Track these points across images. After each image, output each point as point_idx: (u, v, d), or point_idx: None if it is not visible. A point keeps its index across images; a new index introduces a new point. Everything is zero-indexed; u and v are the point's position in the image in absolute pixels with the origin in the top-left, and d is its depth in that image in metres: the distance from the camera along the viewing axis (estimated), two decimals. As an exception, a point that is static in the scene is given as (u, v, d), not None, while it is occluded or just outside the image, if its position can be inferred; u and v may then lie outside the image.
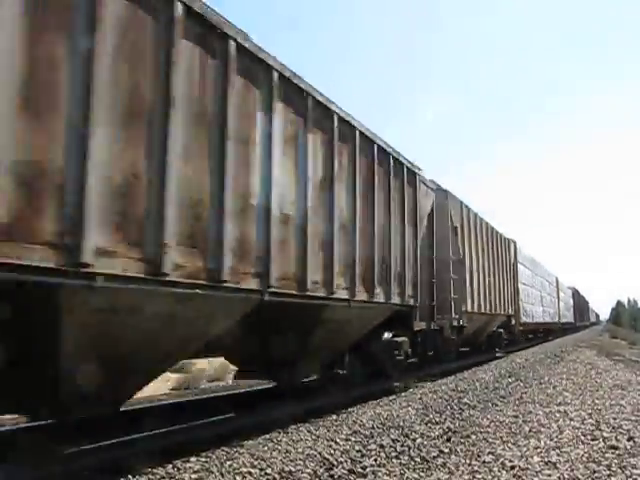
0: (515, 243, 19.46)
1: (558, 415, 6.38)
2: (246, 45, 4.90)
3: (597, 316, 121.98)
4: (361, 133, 7.09)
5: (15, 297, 3.33)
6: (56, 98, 3.30)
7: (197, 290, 4.23)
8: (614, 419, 6.09)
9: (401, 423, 5.90)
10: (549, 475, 4.03)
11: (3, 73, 3.01)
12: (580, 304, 55.50)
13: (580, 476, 4.03)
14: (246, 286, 4.81)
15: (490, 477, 3.99)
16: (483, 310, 13.83)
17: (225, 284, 4.50)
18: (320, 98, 6.15)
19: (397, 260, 8.04)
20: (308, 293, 5.77)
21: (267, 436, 5.32)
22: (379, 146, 7.58)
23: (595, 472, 4.12)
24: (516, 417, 6.27)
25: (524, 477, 4.00)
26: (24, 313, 3.52)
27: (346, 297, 6.57)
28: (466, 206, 12.89)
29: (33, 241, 3.13)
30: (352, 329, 7.37)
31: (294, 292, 5.57)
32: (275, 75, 5.31)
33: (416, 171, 9.01)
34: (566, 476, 4.02)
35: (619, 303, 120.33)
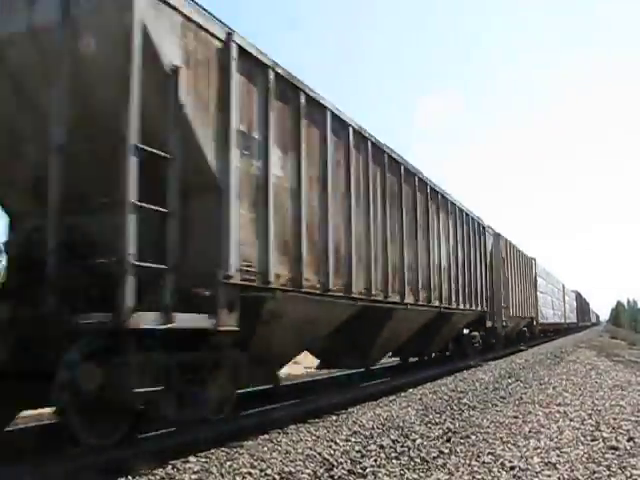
0: (535, 260, 24.82)
1: (558, 415, 6.38)
2: (442, 193, 11.14)
3: (597, 317, 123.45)
4: (466, 214, 12.93)
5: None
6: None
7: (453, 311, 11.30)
8: (614, 419, 6.09)
9: (401, 424, 5.90)
10: (549, 476, 4.03)
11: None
12: (582, 306, 61.10)
13: (580, 476, 4.02)
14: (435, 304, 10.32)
15: (490, 478, 3.98)
16: (517, 314, 19.15)
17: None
18: (454, 201, 11.98)
19: (479, 283, 13.62)
20: (451, 306, 11.14)
21: (267, 436, 5.32)
22: (472, 217, 13.46)
23: (595, 472, 4.12)
24: (516, 417, 6.27)
25: (524, 477, 4.00)
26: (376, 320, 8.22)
27: (463, 307, 12.05)
28: (510, 242, 18.85)
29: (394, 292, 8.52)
30: (459, 326, 12.86)
31: (448, 306, 10.94)
32: (440, 195, 11.03)
33: (485, 226, 14.87)
34: (566, 476, 4.01)
35: (619, 303, 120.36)
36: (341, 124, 7.23)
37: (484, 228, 14.79)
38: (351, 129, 7.41)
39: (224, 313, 4.81)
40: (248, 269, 5.14)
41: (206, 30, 4.92)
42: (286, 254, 5.78)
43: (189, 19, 4.72)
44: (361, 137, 7.74)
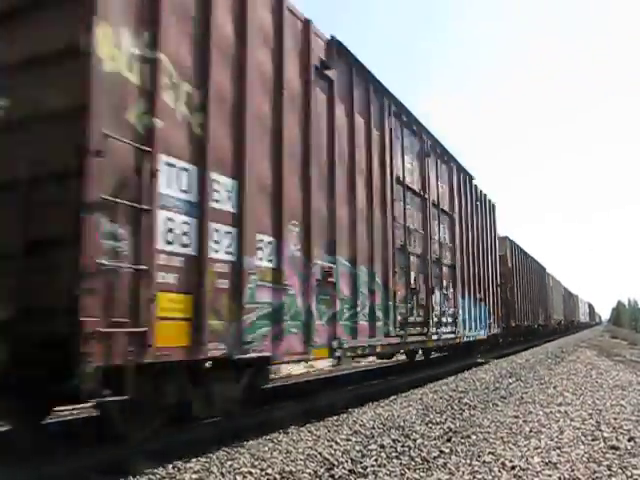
0: (579, 297, 50.60)
1: (558, 415, 6.37)
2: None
3: (600, 317, 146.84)
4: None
5: None
6: None
7: None
8: (615, 419, 6.08)
9: (402, 423, 5.90)
10: (549, 475, 4.02)
11: None
12: (591, 310, 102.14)
13: (580, 476, 4.02)
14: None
15: (490, 477, 3.98)
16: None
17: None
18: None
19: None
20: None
21: (267, 436, 5.32)
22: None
23: (595, 472, 4.12)
24: (516, 417, 6.27)
25: (524, 477, 4.00)
26: None
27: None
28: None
29: None
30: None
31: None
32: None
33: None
34: (566, 476, 4.01)
35: (619, 303, 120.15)
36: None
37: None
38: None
39: None
40: None
41: None
42: None
43: None
44: None
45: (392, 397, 7.92)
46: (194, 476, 4.01)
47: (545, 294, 29.04)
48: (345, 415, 6.50)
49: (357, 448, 4.81)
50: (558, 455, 4.56)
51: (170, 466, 4.24)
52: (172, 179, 4.38)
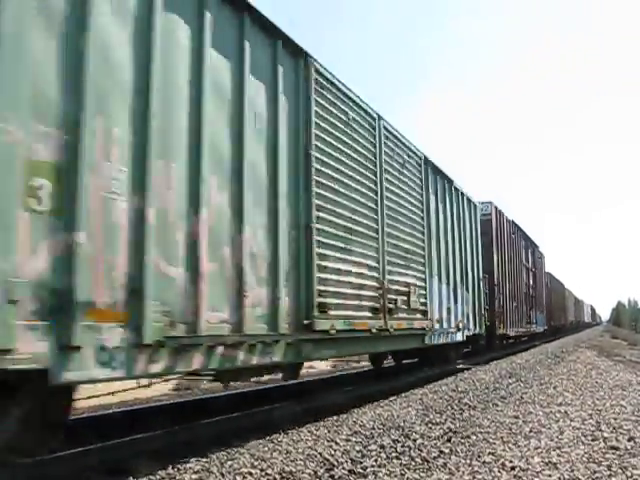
0: (583, 302, 68.03)
1: (558, 415, 6.37)
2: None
3: (600, 318, 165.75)
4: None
5: None
6: None
7: None
8: (614, 419, 6.08)
9: (401, 423, 5.90)
10: (549, 475, 4.03)
11: None
12: (593, 312, 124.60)
13: (580, 476, 4.02)
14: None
15: (490, 477, 3.98)
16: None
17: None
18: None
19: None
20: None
21: (267, 436, 5.32)
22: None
23: (595, 472, 4.12)
24: (516, 417, 6.27)
25: (524, 477, 4.00)
26: None
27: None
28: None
29: None
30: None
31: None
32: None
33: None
34: (566, 476, 4.01)
35: (619, 303, 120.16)
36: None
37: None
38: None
39: None
40: None
41: None
42: None
43: None
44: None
45: (392, 397, 7.93)
46: (194, 476, 4.01)
47: (564, 303, 44.21)
48: (345, 415, 6.51)
49: (357, 448, 4.81)
50: (558, 455, 4.56)
51: (170, 466, 4.24)
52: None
